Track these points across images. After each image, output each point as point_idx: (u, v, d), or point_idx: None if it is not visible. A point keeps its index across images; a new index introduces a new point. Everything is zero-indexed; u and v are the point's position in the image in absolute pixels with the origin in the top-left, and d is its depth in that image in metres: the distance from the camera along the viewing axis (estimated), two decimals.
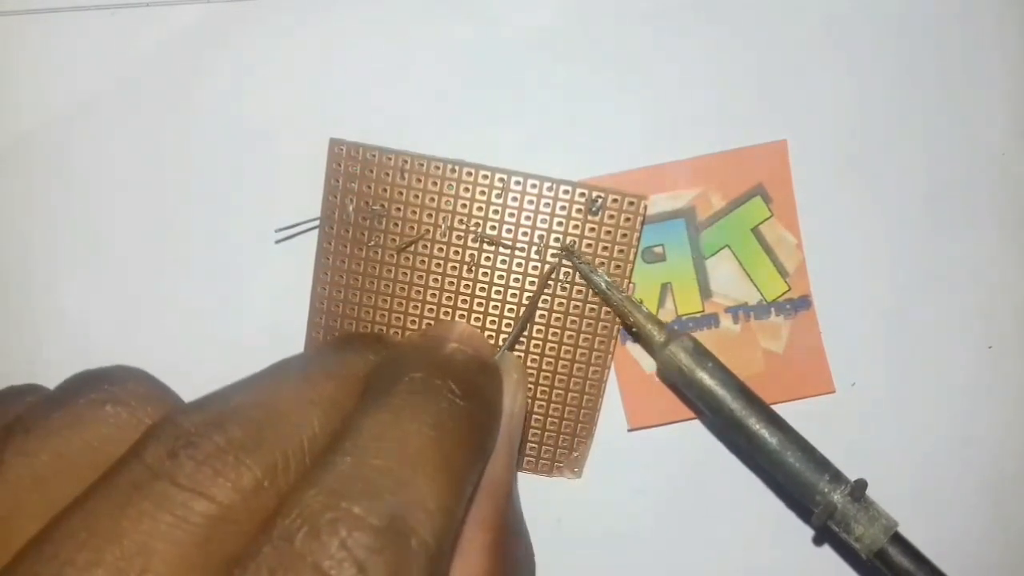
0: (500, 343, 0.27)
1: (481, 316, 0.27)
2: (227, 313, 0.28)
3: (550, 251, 0.26)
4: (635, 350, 0.28)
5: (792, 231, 0.28)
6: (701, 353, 0.25)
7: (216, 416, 0.15)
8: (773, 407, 0.26)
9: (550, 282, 0.27)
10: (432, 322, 0.27)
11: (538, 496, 0.28)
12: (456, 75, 0.28)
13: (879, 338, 0.28)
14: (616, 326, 0.27)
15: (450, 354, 0.20)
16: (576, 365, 0.27)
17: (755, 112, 0.28)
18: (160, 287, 0.28)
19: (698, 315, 0.28)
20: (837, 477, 0.25)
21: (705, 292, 0.28)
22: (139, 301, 0.28)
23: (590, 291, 0.27)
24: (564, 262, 0.26)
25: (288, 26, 0.28)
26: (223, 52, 0.28)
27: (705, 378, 0.25)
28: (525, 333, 0.27)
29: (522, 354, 0.27)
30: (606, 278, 0.26)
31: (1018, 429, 0.29)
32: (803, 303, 0.28)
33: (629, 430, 0.28)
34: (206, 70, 0.28)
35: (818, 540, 0.28)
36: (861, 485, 0.24)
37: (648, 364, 0.28)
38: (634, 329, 0.26)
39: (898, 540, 0.25)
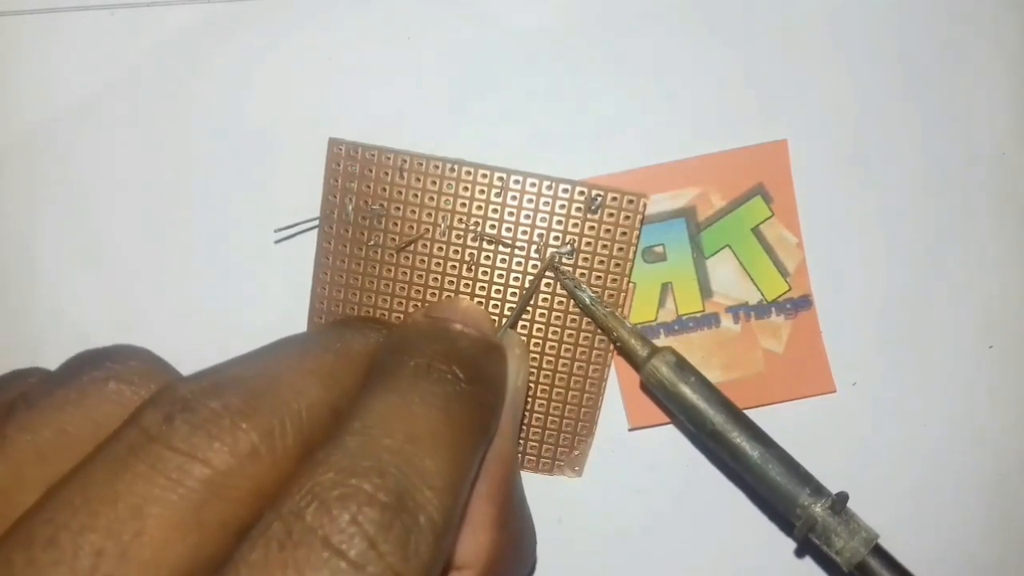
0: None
1: None
2: (227, 313, 0.28)
3: (549, 250, 0.26)
4: None
5: (792, 231, 0.28)
6: (683, 368, 0.26)
7: (214, 383, 0.15)
8: (773, 407, 0.26)
9: (550, 281, 0.27)
10: None
11: (538, 496, 0.28)
12: (456, 75, 0.28)
13: (880, 338, 0.28)
14: None
15: (455, 338, 0.20)
16: (576, 364, 0.27)
17: (755, 112, 0.28)
18: (160, 287, 0.28)
19: (698, 315, 0.28)
20: (818, 491, 0.25)
21: (706, 292, 0.28)
22: (139, 301, 0.28)
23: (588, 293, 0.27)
24: (564, 260, 0.26)
25: (288, 26, 0.28)
26: (223, 52, 0.28)
27: (687, 392, 0.25)
28: (526, 334, 0.27)
29: None
30: (590, 293, 0.26)
31: (1018, 428, 0.29)
32: (803, 303, 0.28)
33: (629, 430, 0.28)
34: (206, 70, 0.28)
35: (801, 552, 0.28)
36: (842, 498, 0.24)
37: None
38: (618, 344, 0.26)
39: (879, 552, 0.24)
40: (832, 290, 0.28)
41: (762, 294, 0.28)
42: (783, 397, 0.28)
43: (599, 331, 0.27)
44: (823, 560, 0.28)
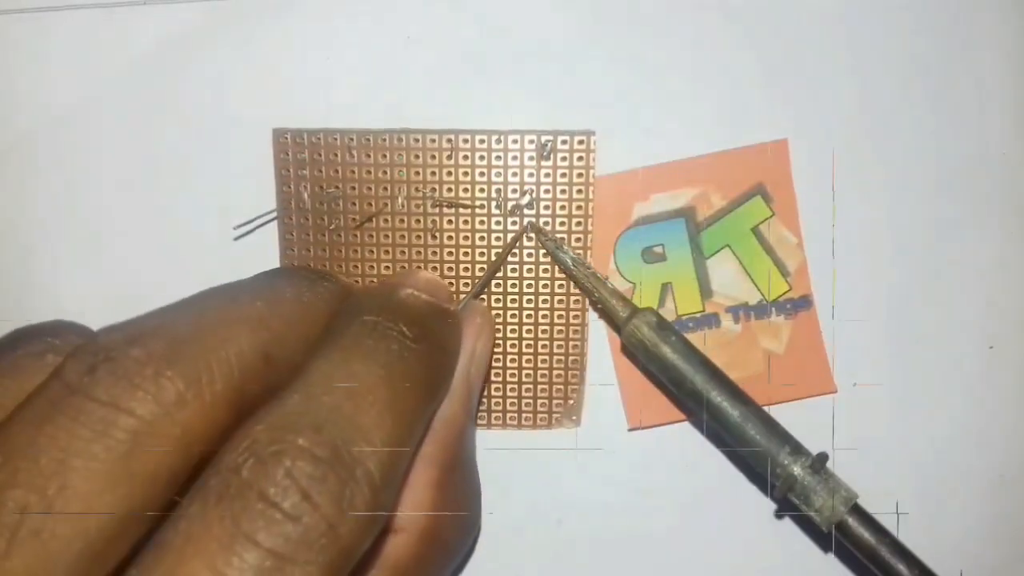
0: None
1: (454, 280, 0.27)
2: None
3: (510, 203, 0.26)
4: None
5: (793, 230, 0.28)
6: (664, 327, 0.25)
7: (136, 332, 0.15)
8: (774, 407, 0.25)
9: (528, 238, 0.27)
10: None
11: (538, 496, 0.28)
12: (456, 75, 0.28)
13: (880, 338, 0.28)
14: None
15: (404, 299, 0.20)
16: (556, 313, 0.27)
17: (755, 112, 0.28)
18: (160, 287, 0.28)
19: (698, 315, 0.28)
20: (798, 449, 0.25)
21: (706, 292, 0.28)
22: (139, 301, 0.28)
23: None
24: (530, 231, 0.26)
25: (288, 26, 0.28)
26: (222, 52, 0.28)
27: (668, 352, 0.25)
28: (500, 291, 0.27)
29: (501, 311, 0.27)
30: (572, 255, 0.26)
31: (1019, 429, 0.29)
32: (804, 303, 0.28)
33: (629, 430, 0.28)
34: (204, 69, 0.28)
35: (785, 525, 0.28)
36: (822, 458, 0.24)
37: None
38: (599, 305, 0.26)
39: (858, 511, 0.24)
40: (832, 290, 0.28)
41: (762, 294, 0.28)
42: (784, 397, 0.28)
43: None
44: (828, 562, 0.28)
